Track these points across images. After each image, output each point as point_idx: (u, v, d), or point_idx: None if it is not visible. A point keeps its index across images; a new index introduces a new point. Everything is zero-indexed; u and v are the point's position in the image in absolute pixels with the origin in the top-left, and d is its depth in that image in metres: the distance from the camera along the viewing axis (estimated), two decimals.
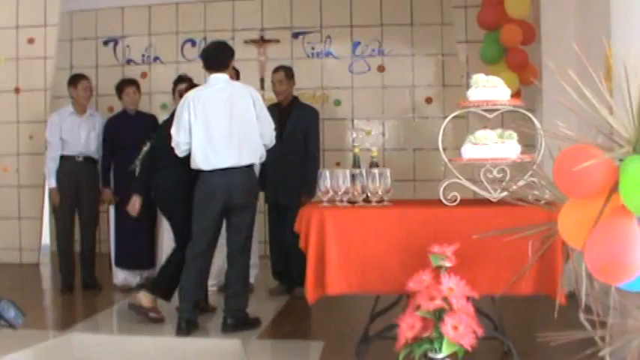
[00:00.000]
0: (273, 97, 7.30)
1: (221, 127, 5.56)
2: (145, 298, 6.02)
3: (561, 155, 2.17)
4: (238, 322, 5.61)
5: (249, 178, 5.68)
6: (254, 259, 6.90)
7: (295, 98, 7.26)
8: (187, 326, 5.61)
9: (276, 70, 7.26)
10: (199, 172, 5.63)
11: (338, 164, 8.60)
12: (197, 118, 5.58)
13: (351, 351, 4.70)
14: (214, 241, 5.75)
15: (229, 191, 5.55)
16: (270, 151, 5.92)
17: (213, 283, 6.84)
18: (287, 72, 7.19)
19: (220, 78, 5.73)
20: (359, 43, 9.52)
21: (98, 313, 6.54)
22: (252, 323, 5.74)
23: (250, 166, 5.68)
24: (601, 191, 2.10)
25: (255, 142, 5.66)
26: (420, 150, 9.34)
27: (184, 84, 6.76)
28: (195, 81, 7.26)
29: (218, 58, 5.81)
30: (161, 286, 6.04)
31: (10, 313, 2.21)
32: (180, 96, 6.21)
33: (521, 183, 4.02)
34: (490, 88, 4.27)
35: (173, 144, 5.67)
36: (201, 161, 5.58)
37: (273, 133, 5.81)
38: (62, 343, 5.57)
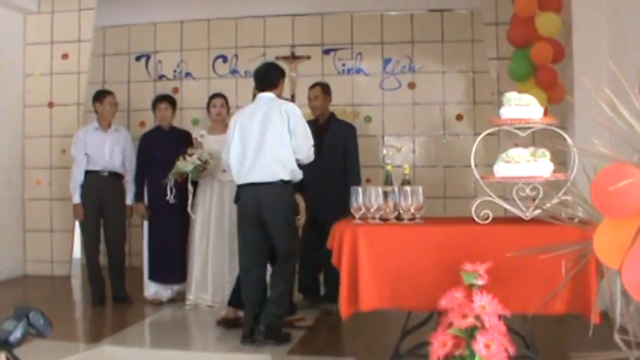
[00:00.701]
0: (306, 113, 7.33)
1: (253, 143, 5.70)
2: (231, 313, 6.28)
3: (600, 174, 2.16)
4: (269, 330, 5.62)
5: (280, 193, 5.73)
6: None
7: (332, 115, 7.31)
8: (251, 335, 5.68)
9: (313, 86, 7.34)
10: (238, 187, 5.84)
11: (368, 180, 8.60)
12: (235, 134, 5.79)
13: None
14: (260, 252, 5.84)
15: (258, 205, 5.68)
16: (307, 168, 5.97)
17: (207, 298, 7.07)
18: (324, 88, 7.26)
19: (264, 97, 5.90)
20: (390, 59, 9.54)
21: (129, 327, 6.55)
22: (282, 336, 5.74)
23: (285, 183, 5.73)
24: (639, 210, 2.09)
25: (286, 158, 5.72)
26: (451, 167, 9.32)
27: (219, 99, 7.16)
28: (227, 97, 7.37)
29: (265, 77, 5.98)
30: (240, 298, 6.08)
31: (40, 322, 2.25)
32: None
33: (554, 201, 4.00)
34: (523, 107, 4.26)
35: (223, 162, 6.04)
36: (235, 175, 5.80)
37: (311, 149, 5.86)
38: (93, 356, 5.62)
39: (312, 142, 5.85)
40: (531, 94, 4.65)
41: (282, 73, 6.11)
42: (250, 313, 5.74)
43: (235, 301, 6.24)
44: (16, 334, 2.18)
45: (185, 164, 6.86)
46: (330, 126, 7.14)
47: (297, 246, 6.02)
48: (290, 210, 5.89)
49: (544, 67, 7.21)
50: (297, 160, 5.79)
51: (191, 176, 6.93)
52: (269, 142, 5.68)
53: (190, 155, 6.90)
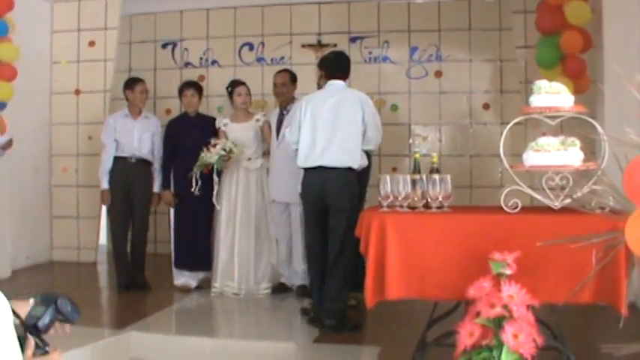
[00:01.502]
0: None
1: (325, 129, 5.83)
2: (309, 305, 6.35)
3: (632, 163, 2.13)
4: (337, 324, 5.74)
5: (346, 180, 5.84)
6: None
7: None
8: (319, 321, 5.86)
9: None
10: (304, 171, 6.02)
11: (394, 169, 8.58)
12: (306, 119, 5.89)
13: (407, 357, 4.67)
14: (323, 239, 5.93)
15: (324, 189, 5.82)
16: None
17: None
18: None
19: (336, 84, 6.05)
20: (416, 48, 9.48)
21: (155, 313, 6.59)
22: (352, 326, 5.84)
23: (350, 170, 5.86)
24: None
25: (356, 147, 5.86)
26: (477, 156, 9.26)
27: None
28: (251, 85, 7.37)
29: (338, 65, 6.17)
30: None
31: (67, 308, 2.25)
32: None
33: (585, 190, 3.96)
34: (553, 95, 4.21)
35: (286, 144, 6.18)
36: (303, 159, 5.94)
37: (379, 141, 6.09)
38: (119, 342, 5.66)
39: (381, 133, 6.06)
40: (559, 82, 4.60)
41: (349, 61, 6.29)
42: (319, 292, 5.91)
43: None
44: (45, 320, 2.19)
45: (209, 155, 6.88)
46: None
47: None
48: (354, 196, 5.96)
49: (573, 56, 7.13)
50: (367, 150, 6.00)
51: (216, 166, 6.94)
52: (342, 130, 5.82)
53: (214, 146, 6.91)
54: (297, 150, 6.00)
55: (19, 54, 7.76)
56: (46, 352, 2.12)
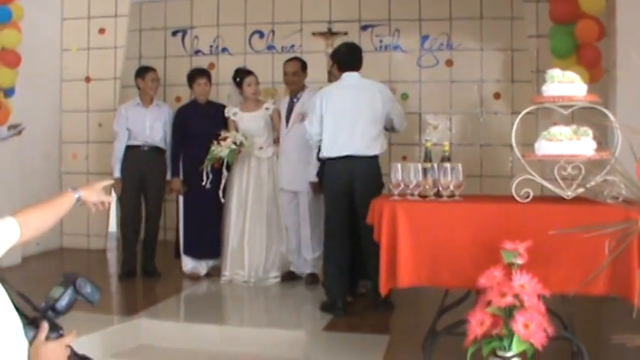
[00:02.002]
0: None
1: (347, 120, 6.01)
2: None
3: None
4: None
5: (372, 167, 6.04)
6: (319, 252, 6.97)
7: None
8: (343, 307, 5.97)
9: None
10: (327, 161, 6.15)
11: (404, 158, 8.54)
12: (328, 111, 6.06)
13: (417, 346, 4.68)
14: (343, 235, 6.07)
15: (351, 177, 5.96)
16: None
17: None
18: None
19: (352, 76, 6.19)
20: (427, 36, 9.43)
21: (164, 300, 6.58)
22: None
23: (374, 157, 6.06)
24: None
25: (378, 134, 6.08)
26: (487, 146, 9.22)
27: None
28: (262, 73, 7.34)
29: (352, 57, 6.29)
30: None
31: (87, 289, 2.26)
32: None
33: (598, 179, 3.94)
34: (566, 84, 4.19)
35: (307, 136, 6.27)
36: (328, 149, 6.07)
37: (406, 123, 6.52)
38: (129, 328, 5.67)
39: (404, 115, 6.44)
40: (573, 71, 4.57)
41: (361, 52, 6.40)
42: (340, 283, 6.00)
43: None
44: (63, 302, 2.20)
45: (220, 149, 6.87)
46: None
47: None
48: (378, 181, 6.14)
49: (588, 46, 7.07)
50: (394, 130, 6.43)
51: (227, 160, 6.93)
52: (364, 119, 6.00)
53: (224, 139, 6.90)
54: (319, 141, 6.17)
55: (21, 40, 7.71)
56: (61, 336, 2.13)
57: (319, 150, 6.25)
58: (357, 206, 5.93)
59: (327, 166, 6.19)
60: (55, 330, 2.12)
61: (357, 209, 5.93)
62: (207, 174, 7.05)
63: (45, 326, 2.09)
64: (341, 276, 6.01)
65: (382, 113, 6.08)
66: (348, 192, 6.00)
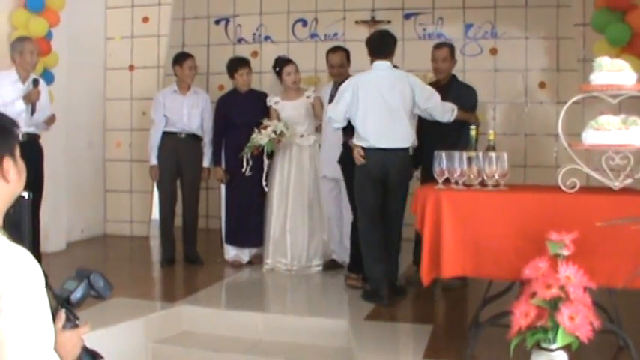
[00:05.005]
0: None
1: (379, 110, 5.90)
2: (353, 281, 6.44)
3: None
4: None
5: (403, 159, 6.01)
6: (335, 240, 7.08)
7: (454, 77, 6.96)
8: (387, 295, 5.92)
9: (440, 47, 6.97)
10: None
11: None
12: (359, 100, 5.95)
13: (460, 336, 4.65)
14: (378, 218, 6.01)
15: (385, 169, 5.91)
16: (428, 131, 6.35)
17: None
18: (451, 50, 6.91)
19: (383, 65, 6.06)
20: (471, 25, 9.32)
21: (206, 287, 6.60)
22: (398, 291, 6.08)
23: (405, 149, 6.02)
24: None
25: (409, 127, 6.03)
26: (532, 135, 9.11)
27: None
28: (304, 61, 7.30)
29: (382, 46, 6.14)
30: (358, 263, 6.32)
31: (100, 284, 2.29)
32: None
33: None
34: (615, 72, 4.11)
35: (326, 119, 6.27)
36: (361, 140, 5.97)
37: (446, 112, 6.05)
38: (171, 315, 5.72)
39: (439, 101, 6.05)
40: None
41: (395, 41, 6.24)
42: (380, 271, 5.94)
43: (355, 266, 6.47)
44: (77, 295, 2.24)
45: (260, 137, 6.88)
46: (450, 88, 6.70)
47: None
48: (410, 173, 6.27)
49: None
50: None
51: (267, 149, 6.94)
52: (396, 111, 5.91)
53: (265, 128, 6.90)
54: (338, 129, 6.21)
55: (48, 29, 7.74)
56: (76, 326, 2.16)
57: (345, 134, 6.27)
58: (389, 199, 5.98)
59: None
60: (71, 320, 2.16)
61: (389, 202, 5.99)
62: (247, 161, 7.05)
63: (62, 315, 2.12)
64: (380, 260, 5.95)
65: (411, 105, 5.98)
66: (382, 180, 5.95)
